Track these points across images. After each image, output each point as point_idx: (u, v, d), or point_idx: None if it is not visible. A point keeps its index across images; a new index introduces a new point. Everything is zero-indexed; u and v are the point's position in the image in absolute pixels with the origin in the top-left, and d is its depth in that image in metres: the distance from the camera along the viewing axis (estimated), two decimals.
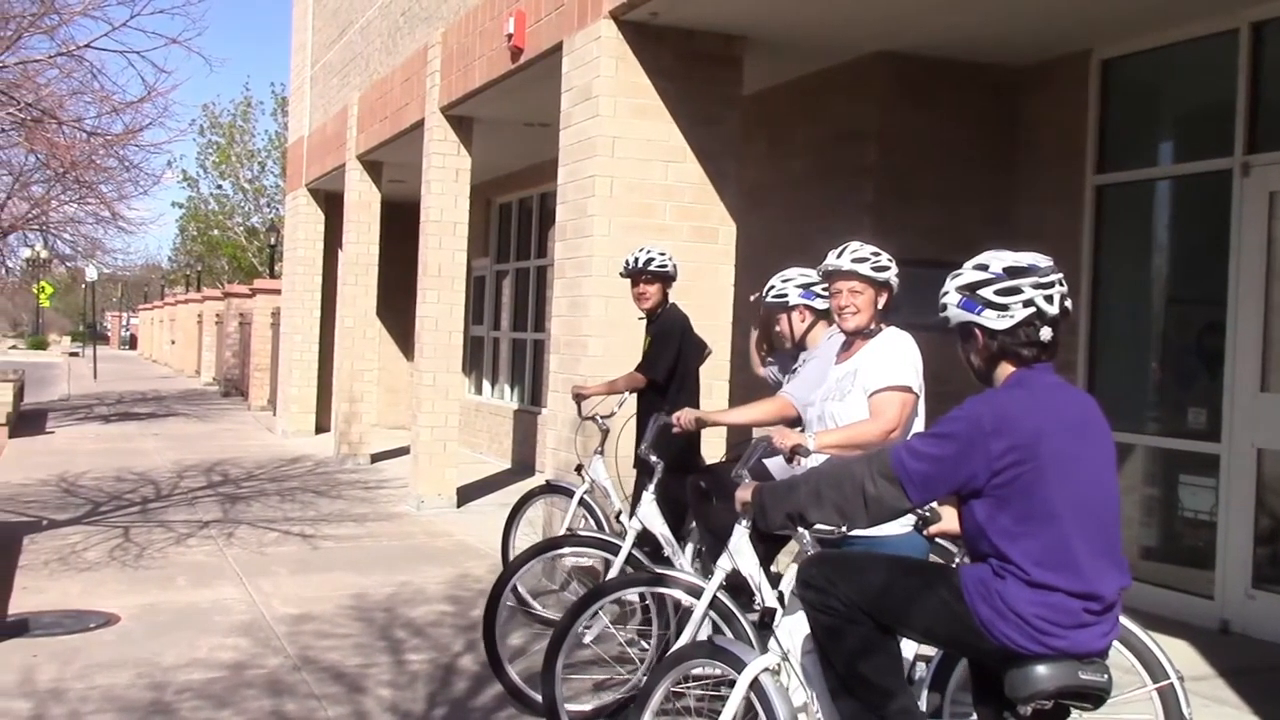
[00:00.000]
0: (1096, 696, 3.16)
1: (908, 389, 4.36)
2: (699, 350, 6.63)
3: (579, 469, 6.93)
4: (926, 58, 8.60)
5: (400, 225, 16.38)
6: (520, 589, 6.63)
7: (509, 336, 16.36)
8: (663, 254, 6.45)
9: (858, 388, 4.42)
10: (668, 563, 5.45)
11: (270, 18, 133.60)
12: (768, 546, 4.88)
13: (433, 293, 11.56)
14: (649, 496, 5.51)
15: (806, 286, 5.19)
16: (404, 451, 14.21)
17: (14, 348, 59.09)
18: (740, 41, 8.12)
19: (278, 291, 20.79)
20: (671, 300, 6.56)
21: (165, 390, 29.97)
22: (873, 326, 4.50)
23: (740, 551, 3.99)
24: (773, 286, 5.27)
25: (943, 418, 3.26)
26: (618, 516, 6.60)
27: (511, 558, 7.15)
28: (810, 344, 5.24)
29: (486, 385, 17.07)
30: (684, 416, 5.45)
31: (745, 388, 8.34)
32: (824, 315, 5.16)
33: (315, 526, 9.99)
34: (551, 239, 12.25)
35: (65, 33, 7.48)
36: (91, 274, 47.30)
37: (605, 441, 6.78)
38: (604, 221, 7.77)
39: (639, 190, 7.84)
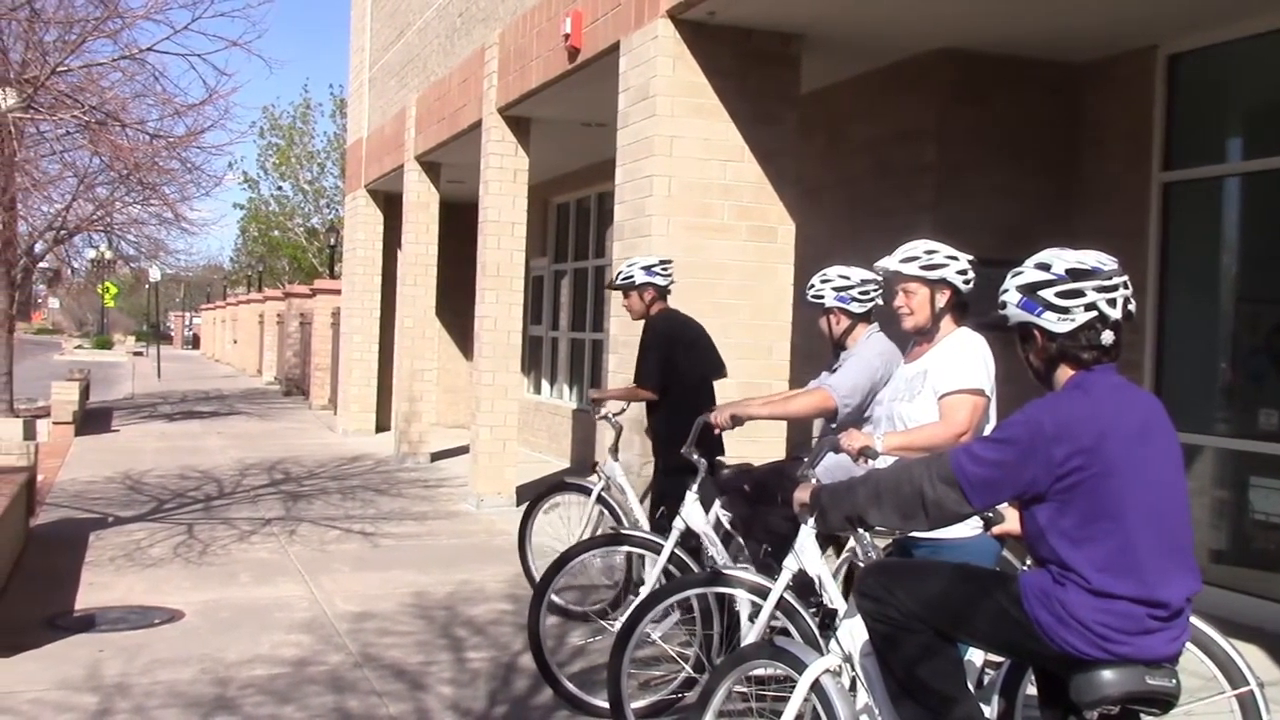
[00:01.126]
0: (1165, 702, 3.10)
1: (979, 391, 4.28)
2: (701, 358, 6.54)
3: (594, 466, 7.12)
4: (987, 55, 8.51)
5: (459, 225, 16.46)
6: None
7: (567, 336, 16.40)
8: (632, 264, 6.47)
9: (927, 389, 4.35)
10: (707, 560, 5.41)
11: (329, 20, 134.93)
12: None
13: (491, 293, 11.60)
14: (693, 496, 5.45)
15: (843, 289, 5.15)
16: (463, 450, 14.28)
17: (80, 347, 60.06)
18: (798, 40, 8.08)
19: (338, 292, 20.97)
20: (668, 308, 6.56)
21: (227, 389, 30.33)
22: (939, 325, 4.43)
23: (806, 551, 3.96)
24: (812, 286, 5.25)
25: (1003, 422, 3.23)
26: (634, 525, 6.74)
27: (530, 554, 7.44)
28: (850, 344, 5.22)
29: (545, 384, 17.12)
30: (720, 415, 5.35)
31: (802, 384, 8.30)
32: (862, 318, 5.18)
33: (376, 524, 10.07)
34: (609, 239, 12.25)
35: (128, 36, 7.58)
36: (155, 275, 47.94)
37: (619, 439, 7.11)
38: (662, 221, 7.76)
39: (697, 190, 7.82)
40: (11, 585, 7.53)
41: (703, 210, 7.85)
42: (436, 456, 15.20)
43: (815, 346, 8.56)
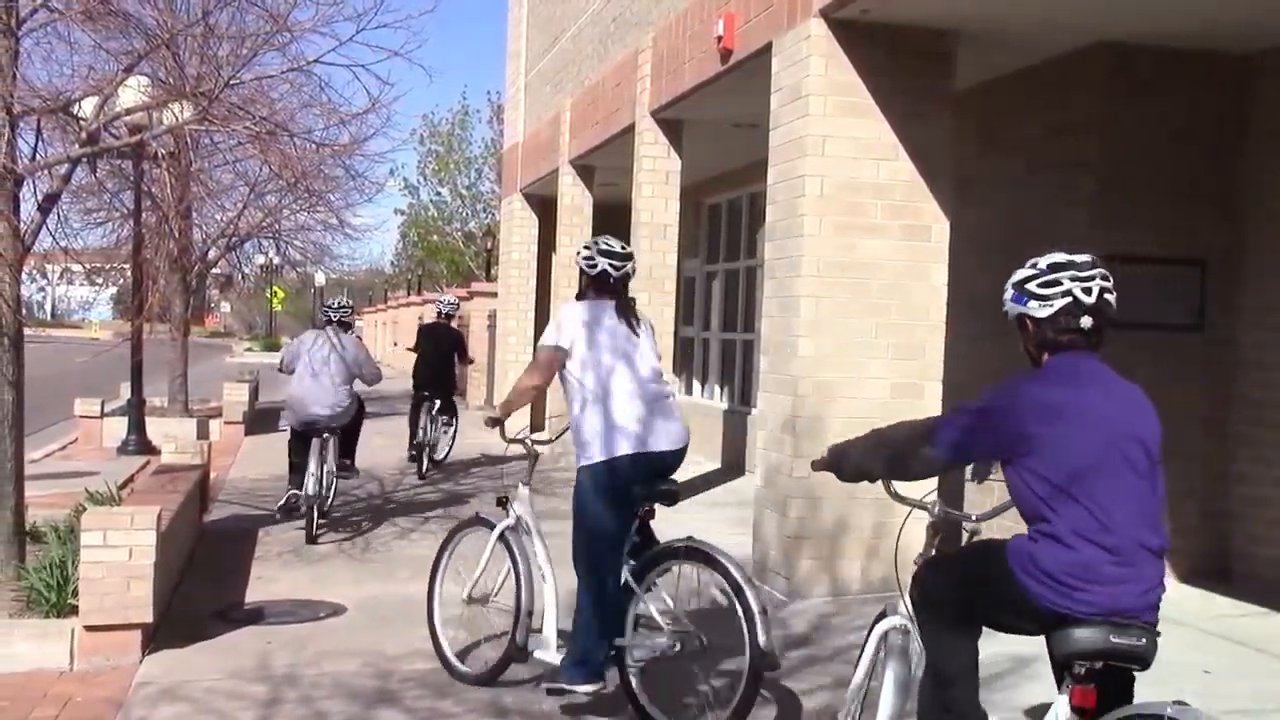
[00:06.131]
0: (1142, 659, 3.36)
1: (552, 347, 5.40)
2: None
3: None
4: (1148, 47, 8.23)
5: (612, 228, 16.49)
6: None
7: (719, 337, 16.40)
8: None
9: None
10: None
11: (487, 29, 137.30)
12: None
13: (643, 294, 11.66)
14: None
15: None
16: None
17: (249, 350, 62.23)
18: (952, 36, 7.94)
19: (494, 294, 21.33)
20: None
21: (388, 390, 30.99)
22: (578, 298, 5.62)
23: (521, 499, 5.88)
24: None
25: (985, 390, 3.63)
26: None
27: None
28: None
29: (696, 385, 17.15)
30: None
31: (960, 388, 8.17)
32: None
33: None
34: (761, 239, 12.22)
35: (296, 49, 7.82)
36: (320, 279, 49.53)
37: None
38: (814, 221, 7.71)
39: (849, 189, 7.76)
40: (186, 578, 7.86)
41: (855, 210, 7.78)
42: None
43: (974, 348, 8.42)
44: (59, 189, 7.50)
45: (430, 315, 18.55)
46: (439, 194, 48.98)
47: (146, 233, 13.76)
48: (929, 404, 7.83)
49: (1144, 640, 3.33)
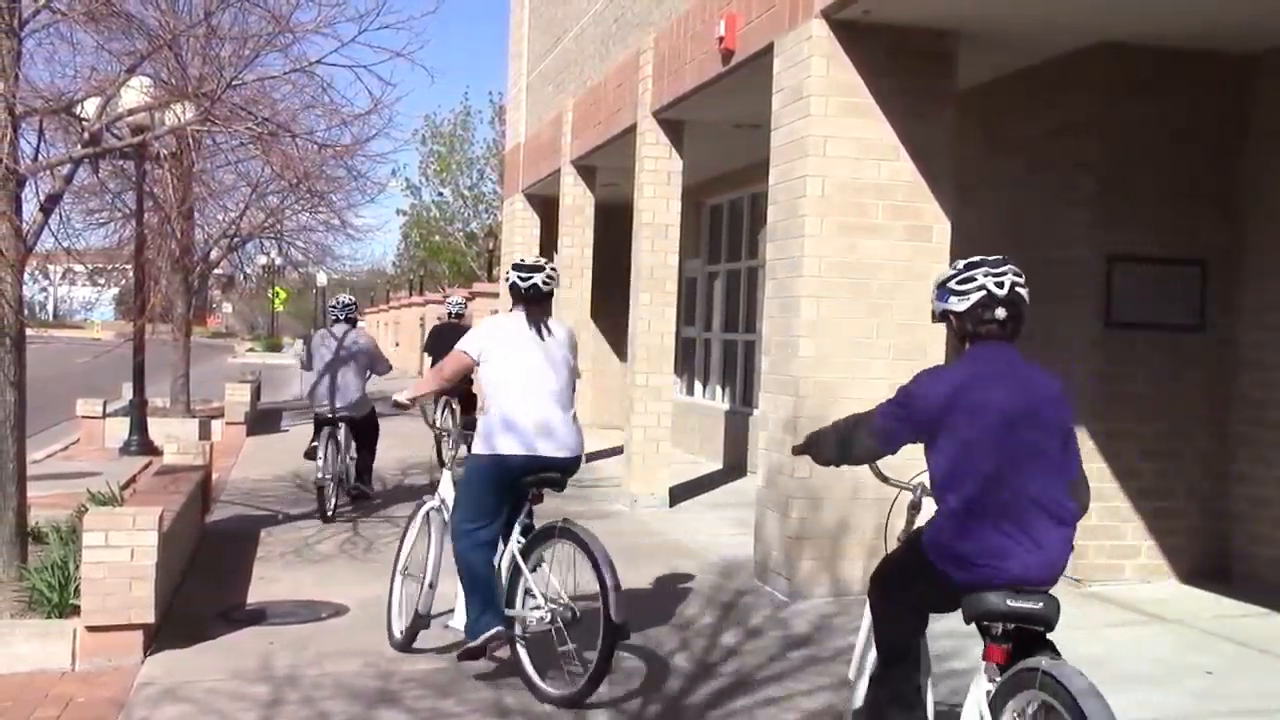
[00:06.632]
0: (1044, 620, 3.69)
1: (461, 353, 5.95)
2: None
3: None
4: (1149, 48, 8.23)
5: (613, 228, 16.62)
6: None
7: (720, 337, 16.41)
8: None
9: None
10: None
11: (489, 30, 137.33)
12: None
13: (645, 295, 11.69)
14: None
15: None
16: (617, 451, 14.40)
17: (251, 350, 62.26)
18: (953, 36, 7.95)
19: (495, 294, 21.34)
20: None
21: (390, 390, 31.02)
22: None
23: (444, 482, 6.34)
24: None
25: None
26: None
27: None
28: None
29: (698, 386, 17.15)
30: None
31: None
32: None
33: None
34: (762, 240, 12.23)
35: (298, 50, 7.83)
36: (322, 279, 49.54)
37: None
38: (815, 221, 7.72)
39: (850, 190, 7.76)
40: (188, 579, 7.87)
41: (856, 210, 7.79)
42: (591, 457, 15.33)
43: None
44: (61, 189, 7.51)
45: (432, 317, 18.65)
46: (441, 194, 49.07)
47: (149, 233, 13.78)
48: None
49: (1042, 604, 3.67)
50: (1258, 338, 8.27)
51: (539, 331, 5.89)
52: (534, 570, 5.76)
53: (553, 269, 5.98)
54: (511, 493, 5.84)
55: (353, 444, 10.87)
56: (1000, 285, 3.84)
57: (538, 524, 5.87)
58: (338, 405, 10.56)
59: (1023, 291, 3.87)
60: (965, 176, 8.79)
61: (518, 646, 5.76)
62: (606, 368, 19.66)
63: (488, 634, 5.62)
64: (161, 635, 6.35)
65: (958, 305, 3.90)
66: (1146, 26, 7.85)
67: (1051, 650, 3.66)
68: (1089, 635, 6.94)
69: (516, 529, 5.89)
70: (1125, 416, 8.28)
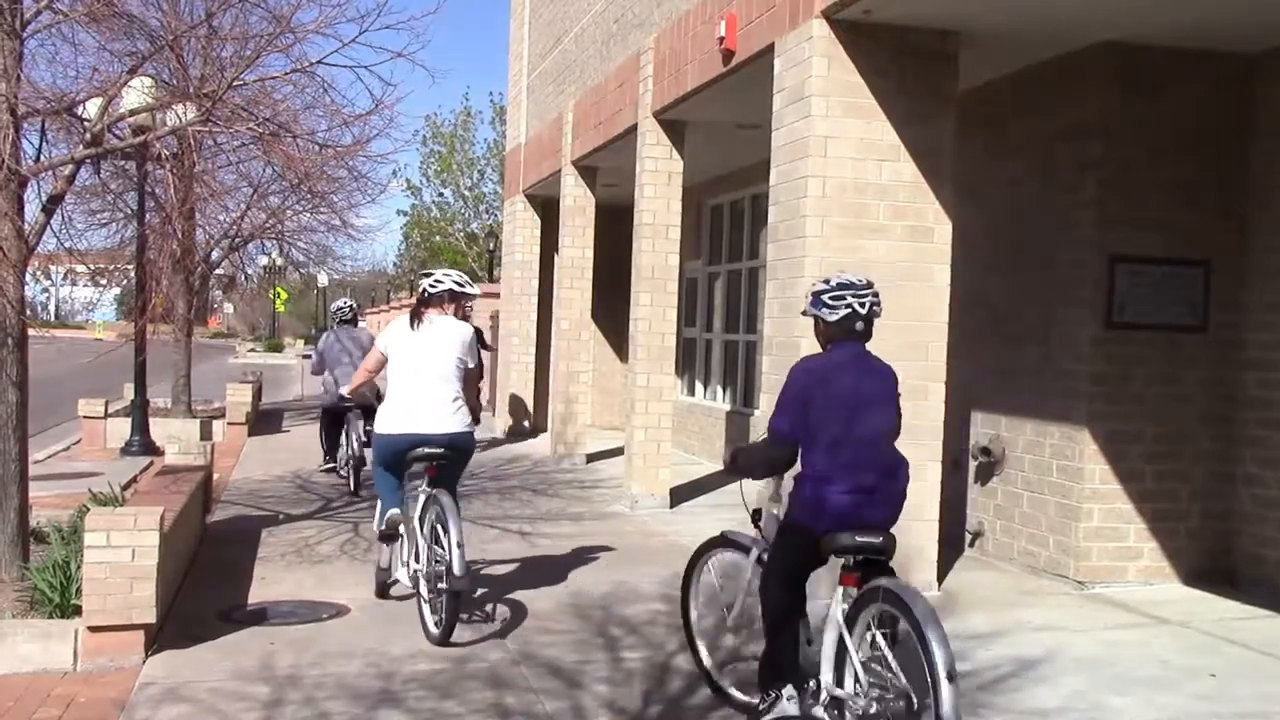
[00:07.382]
0: (881, 551, 4.70)
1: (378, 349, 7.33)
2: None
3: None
4: (1154, 47, 8.23)
5: (614, 229, 16.61)
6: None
7: (721, 338, 16.40)
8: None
9: None
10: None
11: (489, 30, 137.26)
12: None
13: (646, 295, 11.68)
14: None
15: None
16: (618, 452, 14.39)
17: (252, 350, 62.25)
18: (955, 36, 7.94)
19: (496, 295, 21.32)
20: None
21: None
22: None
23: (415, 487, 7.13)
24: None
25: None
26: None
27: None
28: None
29: (699, 386, 17.15)
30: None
31: (963, 388, 8.15)
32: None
33: (533, 524, 10.22)
34: (763, 240, 12.22)
35: (299, 50, 7.83)
36: (323, 280, 49.50)
37: None
38: (816, 222, 7.71)
39: (851, 190, 7.76)
40: (189, 579, 7.87)
41: (857, 210, 7.78)
42: (592, 458, 15.35)
43: (977, 349, 8.39)
44: (63, 190, 7.51)
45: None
46: (442, 195, 49.05)
47: (150, 234, 13.76)
48: (933, 405, 7.83)
49: (881, 539, 4.70)
50: (1263, 338, 8.26)
51: (415, 325, 6.97)
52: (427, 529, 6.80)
53: (444, 274, 7.09)
54: (401, 466, 6.96)
55: (366, 427, 11.73)
56: (863, 306, 4.90)
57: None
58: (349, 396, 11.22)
59: (878, 309, 4.94)
60: (967, 177, 8.79)
61: (421, 603, 6.76)
62: (607, 368, 19.65)
63: (389, 515, 7.11)
64: (163, 635, 6.35)
65: (829, 315, 4.92)
66: (1149, 27, 7.84)
67: (890, 574, 4.68)
68: (1092, 637, 6.94)
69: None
70: (1127, 417, 8.27)
